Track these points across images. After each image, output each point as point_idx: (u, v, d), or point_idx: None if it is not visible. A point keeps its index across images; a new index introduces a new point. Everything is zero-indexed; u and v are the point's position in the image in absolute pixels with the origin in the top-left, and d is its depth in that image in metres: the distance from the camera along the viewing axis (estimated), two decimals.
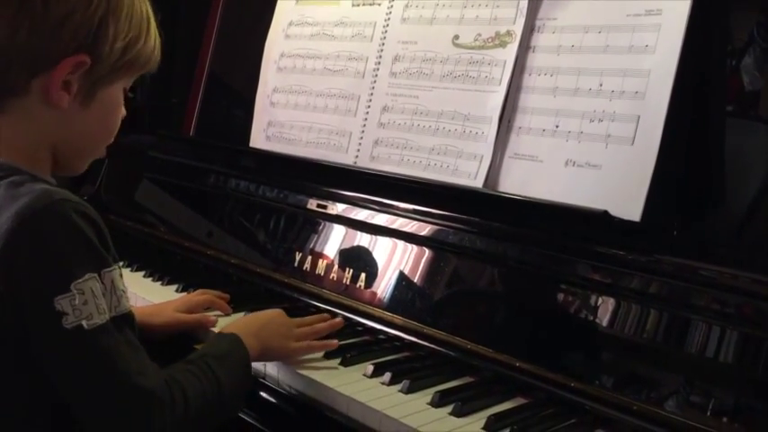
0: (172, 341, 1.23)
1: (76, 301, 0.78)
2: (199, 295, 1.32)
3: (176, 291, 1.46)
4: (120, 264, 1.54)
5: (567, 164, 1.16)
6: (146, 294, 1.41)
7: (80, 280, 0.79)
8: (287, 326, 1.16)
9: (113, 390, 0.81)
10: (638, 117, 1.09)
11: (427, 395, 1.06)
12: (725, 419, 0.92)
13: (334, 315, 1.33)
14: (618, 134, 1.11)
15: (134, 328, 0.87)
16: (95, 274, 0.80)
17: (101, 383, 0.81)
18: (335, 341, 1.19)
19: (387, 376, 1.10)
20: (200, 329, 1.25)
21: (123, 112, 0.96)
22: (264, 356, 1.09)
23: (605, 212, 1.06)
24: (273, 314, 1.17)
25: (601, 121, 1.13)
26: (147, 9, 0.91)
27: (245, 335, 1.04)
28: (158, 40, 0.94)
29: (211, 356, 0.96)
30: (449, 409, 1.02)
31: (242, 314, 1.32)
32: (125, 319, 0.85)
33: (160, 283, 1.51)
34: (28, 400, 0.84)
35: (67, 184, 1.05)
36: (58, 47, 0.82)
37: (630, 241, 1.05)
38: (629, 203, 1.07)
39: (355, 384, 1.09)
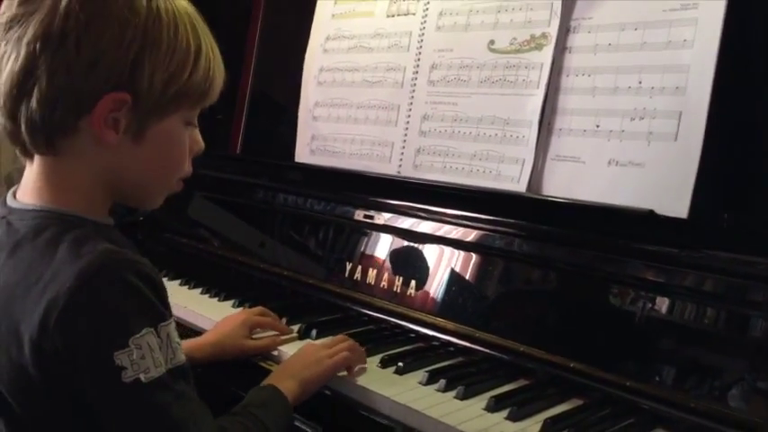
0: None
1: (134, 356, 0.81)
2: (259, 316, 1.34)
3: (233, 306, 1.50)
4: (178, 281, 1.63)
5: (609, 163, 1.16)
6: (204, 311, 1.45)
7: (138, 335, 0.81)
8: (315, 350, 1.18)
9: None
10: (680, 113, 1.09)
11: (482, 400, 1.07)
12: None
13: (387, 322, 1.36)
14: (660, 131, 1.10)
15: (189, 379, 0.89)
16: (152, 329, 0.83)
17: None
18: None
19: (441, 383, 1.12)
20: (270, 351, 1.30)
21: (200, 144, 0.97)
22: (307, 389, 1.10)
23: (651, 212, 1.06)
24: (301, 350, 1.19)
25: (642, 118, 1.13)
26: (198, 42, 0.89)
27: (278, 381, 1.07)
28: (215, 72, 0.92)
29: (253, 406, 0.99)
30: (504, 413, 1.04)
31: (297, 326, 1.35)
32: (180, 371, 0.87)
33: (217, 299, 1.55)
34: None
35: (124, 207, 1.09)
36: (96, 86, 0.84)
37: (679, 238, 1.05)
38: (675, 200, 1.07)
39: (411, 392, 1.11)
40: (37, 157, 0.90)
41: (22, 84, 0.84)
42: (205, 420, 0.88)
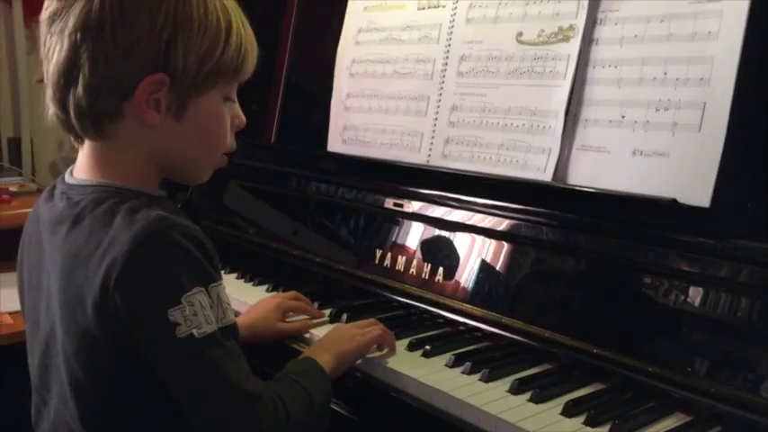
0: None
1: (187, 312, 0.86)
2: (292, 300, 1.39)
3: (266, 290, 1.55)
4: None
5: (634, 153, 1.18)
6: (239, 295, 1.51)
7: (190, 293, 0.87)
8: (347, 329, 1.23)
9: (223, 393, 0.89)
10: (704, 103, 1.10)
11: (506, 383, 1.10)
12: None
13: (416, 308, 1.40)
14: (684, 122, 1.12)
15: (238, 339, 0.94)
16: (203, 288, 0.88)
17: (211, 387, 0.89)
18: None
19: (467, 366, 1.15)
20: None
21: (242, 119, 1.02)
22: (342, 362, 1.15)
23: (674, 200, 1.08)
24: (333, 329, 1.24)
25: (667, 109, 1.14)
26: (229, 18, 0.93)
27: (315, 354, 1.12)
28: (247, 47, 0.96)
29: (294, 374, 1.04)
30: (527, 395, 1.07)
31: (329, 311, 1.40)
32: (230, 330, 0.92)
33: (252, 283, 1.61)
34: (141, 401, 0.93)
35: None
36: (134, 70, 0.89)
37: (701, 227, 1.07)
38: (698, 190, 1.08)
39: (437, 374, 1.14)
40: (88, 141, 0.97)
41: (67, 73, 0.90)
42: (256, 380, 0.94)
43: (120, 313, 0.87)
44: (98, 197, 0.94)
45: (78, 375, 0.92)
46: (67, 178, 1.00)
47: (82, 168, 0.98)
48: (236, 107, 1.02)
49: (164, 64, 0.90)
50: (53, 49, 0.91)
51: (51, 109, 0.94)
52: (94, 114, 0.91)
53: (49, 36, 0.91)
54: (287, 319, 1.37)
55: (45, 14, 0.92)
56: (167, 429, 0.95)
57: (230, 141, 1.02)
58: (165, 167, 0.99)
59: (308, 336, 1.33)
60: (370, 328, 1.23)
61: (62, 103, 0.92)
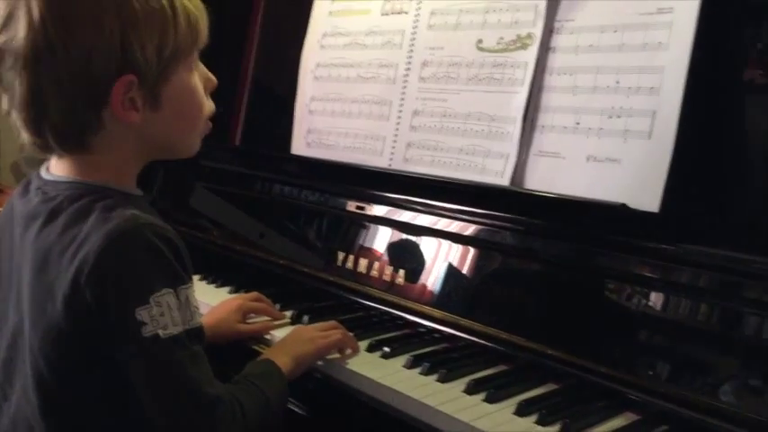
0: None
1: (154, 312, 0.87)
2: (254, 301, 1.40)
3: (229, 292, 1.56)
4: None
5: (588, 159, 1.21)
6: (201, 297, 1.48)
7: (158, 293, 0.88)
8: (309, 330, 1.24)
9: (184, 395, 0.90)
10: (655, 112, 1.13)
11: (462, 383, 1.12)
12: (739, 399, 0.97)
13: (376, 310, 1.42)
14: (635, 129, 1.15)
15: (203, 342, 0.95)
16: (172, 290, 0.89)
17: (173, 388, 0.90)
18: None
19: (424, 367, 1.17)
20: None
21: (212, 79, 1.01)
22: (301, 363, 1.16)
23: (623, 205, 1.11)
24: (294, 330, 1.26)
25: (619, 117, 1.18)
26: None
27: (274, 356, 1.13)
28: (196, 15, 0.94)
29: (252, 376, 1.06)
30: (482, 396, 1.09)
31: (290, 312, 1.41)
32: (196, 333, 0.93)
33: (214, 285, 1.61)
34: (104, 399, 0.94)
35: None
36: (100, 79, 0.89)
37: (650, 231, 1.10)
38: (648, 195, 1.11)
39: (395, 375, 1.16)
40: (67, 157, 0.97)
41: (34, 103, 0.90)
42: (217, 383, 0.95)
43: (90, 309, 0.88)
44: (74, 194, 0.94)
45: (42, 369, 0.93)
46: (44, 174, 1.01)
47: (59, 164, 0.98)
48: (202, 68, 1.01)
49: (125, 65, 0.90)
50: (10, 84, 0.90)
51: (27, 137, 0.94)
52: (75, 132, 0.92)
53: (4, 72, 0.90)
54: (248, 321, 1.37)
55: None
56: (128, 428, 0.95)
57: (208, 105, 1.03)
58: (155, 153, 1.01)
59: (268, 337, 1.33)
60: (330, 332, 1.24)
61: (37, 130, 0.92)
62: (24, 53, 0.88)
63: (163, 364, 0.89)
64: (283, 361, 1.12)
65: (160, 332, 0.88)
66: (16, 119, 0.93)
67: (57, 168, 0.99)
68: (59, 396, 0.94)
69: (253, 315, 1.39)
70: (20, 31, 0.88)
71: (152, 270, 0.88)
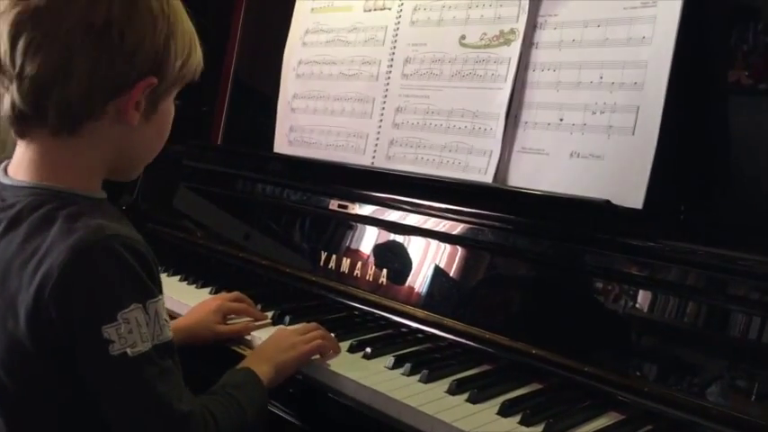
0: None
1: (122, 330, 0.84)
2: (234, 301, 1.38)
3: (210, 293, 1.53)
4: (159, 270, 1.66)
5: (571, 156, 1.20)
6: (181, 298, 1.48)
7: (126, 310, 0.85)
8: (289, 335, 1.21)
9: (153, 413, 0.87)
10: (638, 107, 1.12)
11: (445, 384, 1.10)
12: (725, 399, 0.96)
13: (358, 310, 1.40)
14: (619, 125, 1.14)
15: (174, 355, 0.92)
16: (140, 305, 0.86)
17: (142, 407, 0.87)
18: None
19: (407, 367, 1.15)
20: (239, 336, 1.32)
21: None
22: (282, 372, 1.13)
23: (607, 202, 1.10)
24: (274, 335, 1.22)
25: (602, 112, 1.17)
26: (191, 25, 0.96)
27: (254, 364, 1.10)
28: (201, 52, 0.99)
29: (230, 386, 1.02)
30: (465, 396, 1.07)
31: (271, 312, 1.39)
32: (166, 348, 0.89)
33: (195, 286, 1.58)
34: (71, 416, 0.90)
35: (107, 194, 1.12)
36: (134, 73, 0.89)
37: (634, 228, 1.09)
38: (631, 191, 1.10)
39: (377, 376, 1.14)
40: (40, 137, 0.91)
41: (56, 72, 0.86)
42: (188, 397, 0.91)
43: (54, 326, 0.84)
44: (35, 200, 0.90)
45: (6, 384, 0.89)
46: (1, 178, 0.95)
47: (21, 167, 0.93)
48: None
49: (158, 67, 0.91)
50: (36, 44, 0.86)
51: (18, 103, 0.88)
52: (80, 112, 0.89)
53: (30, 29, 0.86)
54: (228, 322, 1.35)
55: (19, 8, 0.86)
56: None
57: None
58: (114, 166, 0.97)
59: (249, 338, 1.31)
60: (311, 334, 1.21)
61: (37, 99, 0.87)
62: (76, 20, 0.85)
63: (131, 383, 0.86)
64: (263, 370, 1.09)
65: (128, 350, 0.84)
66: (11, 83, 0.87)
67: (16, 171, 0.94)
68: (23, 412, 0.90)
69: (233, 316, 1.36)
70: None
71: (119, 285, 0.85)
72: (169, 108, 0.99)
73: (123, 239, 0.87)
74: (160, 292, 0.91)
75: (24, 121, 0.90)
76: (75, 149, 0.92)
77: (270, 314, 1.39)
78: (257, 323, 1.35)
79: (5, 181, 0.94)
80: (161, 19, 0.90)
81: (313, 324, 1.26)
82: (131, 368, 0.85)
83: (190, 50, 0.95)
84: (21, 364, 0.88)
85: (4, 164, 0.97)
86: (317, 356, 1.20)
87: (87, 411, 0.89)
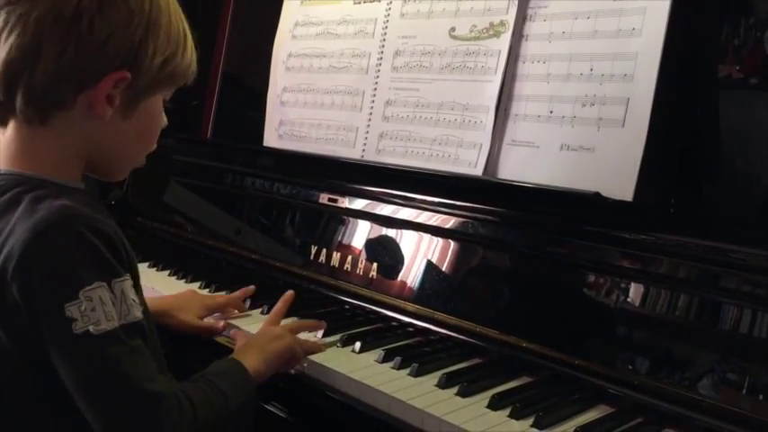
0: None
1: (84, 308, 0.83)
2: (220, 298, 1.37)
3: (200, 287, 1.52)
4: (147, 263, 1.65)
5: (561, 148, 1.19)
6: (170, 292, 1.47)
7: (88, 288, 0.83)
8: (276, 328, 1.19)
9: (121, 392, 0.85)
10: (628, 99, 1.12)
11: (435, 378, 1.10)
12: (716, 391, 0.96)
13: (349, 304, 1.39)
14: (609, 117, 1.14)
15: (146, 338, 0.90)
16: (104, 283, 0.85)
17: (108, 386, 0.85)
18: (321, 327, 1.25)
19: (397, 361, 1.15)
20: (211, 333, 1.31)
21: (164, 120, 1.02)
22: (270, 361, 1.11)
23: (597, 194, 1.09)
24: (261, 330, 1.20)
25: (592, 105, 1.16)
26: (184, 26, 0.96)
27: (239, 355, 1.08)
28: (194, 54, 0.98)
29: (212, 374, 1.00)
30: (455, 389, 1.07)
31: (259, 310, 1.38)
32: (135, 328, 0.88)
33: (184, 280, 1.57)
34: (41, 401, 0.88)
35: (96, 191, 1.11)
36: (102, 64, 0.88)
37: (624, 220, 1.09)
38: (621, 184, 1.10)
39: (367, 370, 1.13)
40: (15, 125, 0.92)
41: (25, 57, 0.86)
42: (163, 380, 0.90)
43: (18, 307, 0.83)
44: (5, 185, 0.91)
45: None
46: None
47: None
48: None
49: (131, 62, 0.89)
50: (8, 29, 0.86)
51: None
52: (47, 101, 0.89)
53: (4, 14, 0.87)
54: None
55: None
56: (73, 426, 0.89)
57: (155, 143, 1.02)
58: (91, 161, 0.97)
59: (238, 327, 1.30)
60: (296, 326, 1.21)
61: (8, 84, 0.88)
62: (46, 8, 0.85)
63: (96, 362, 0.84)
64: (250, 360, 1.06)
65: (91, 328, 0.83)
66: None
67: None
68: (13, 414, 0.89)
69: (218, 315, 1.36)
70: None
71: (81, 263, 0.84)
72: (153, 109, 0.97)
73: (87, 220, 0.86)
74: (126, 272, 0.89)
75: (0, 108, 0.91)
76: (46, 139, 0.92)
77: (258, 311, 1.38)
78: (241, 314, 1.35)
79: None
80: (139, 14, 0.89)
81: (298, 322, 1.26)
82: (95, 346, 0.84)
83: (176, 50, 0.93)
84: None
85: None
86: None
87: (63, 396, 0.87)
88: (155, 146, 1.02)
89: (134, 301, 0.89)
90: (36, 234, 0.83)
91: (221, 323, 1.31)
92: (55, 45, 0.86)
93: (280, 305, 1.27)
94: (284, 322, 1.26)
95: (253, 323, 1.32)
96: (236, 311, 1.37)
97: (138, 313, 0.89)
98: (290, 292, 1.29)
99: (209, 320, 1.32)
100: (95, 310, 0.84)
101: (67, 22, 0.86)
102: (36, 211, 0.85)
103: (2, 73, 0.88)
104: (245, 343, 1.18)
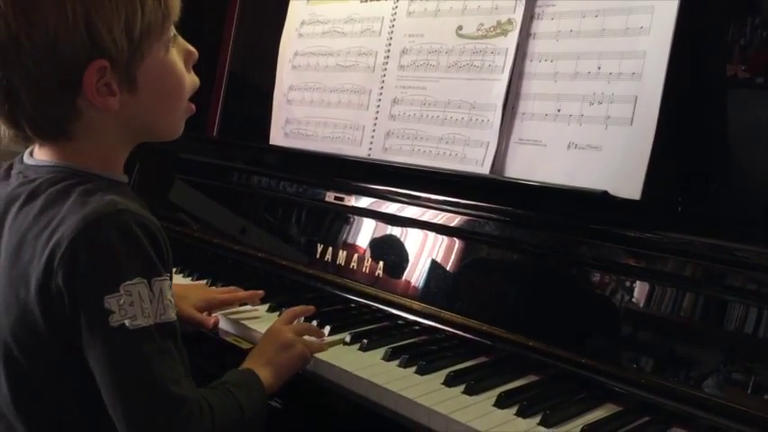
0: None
1: (123, 301, 0.84)
2: (222, 293, 1.37)
3: (206, 285, 1.53)
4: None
5: (569, 147, 1.19)
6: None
7: (129, 282, 0.84)
8: (284, 332, 1.17)
9: (146, 391, 0.86)
10: (636, 97, 1.12)
11: (441, 376, 1.10)
12: (722, 390, 0.96)
13: (355, 302, 1.39)
14: (617, 115, 1.14)
15: (177, 340, 0.91)
16: (145, 280, 0.86)
17: (135, 383, 0.85)
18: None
19: (403, 359, 1.15)
20: (200, 326, 1.30)
21: (193, 51, 0.98)
22: (280, 373, 1.11)
23: (605, 193, 1.09)
24: (267, 335, 1.19)
25: (600, 103, 1.16)
26: None
27: (254, 366, 1.08)
28: None
29: (230, 384, 1.00)
30: (461, 388, 1.07)
31: (266, 306, 1.38)
32: (168, 329, 0.89)
33: (190, 278, 1.58)
34: (76, 390, 0.90)
35: None
36: (69, 67, 0.87)
37: (632, 219, 1.08)
38: (629, 182, 1.10)
39: (373, 368, 1.14)
40: (48, 144, 0.95)
41: (7, 96, 0.88)
42: (187, 384, 0.90)
43: (61, 295, 0.85)
44: (54, 177, 0.92)
45: (15, 356, 0.90)
46: (26, 158, 0.98)
47: (42, 150, 0.96)
48: (181, 41, 0.97)
49: (94, 50, 0.87)
50: None
51: (5, 130, 0.93)
52: (51, 122, 0.90)
53: None
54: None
55: None
56: (103, 424, 0.90)
57: (190, 80, 0.99)
58: (138, 137, 0.98)
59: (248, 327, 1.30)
60: (301, 329, 1.21)
61: (15, 123, 0.91)
62: None
63: (126, 356, 0.85)
64: (264, 373, 1.07)
65: (127, 322, 0.84)
66: None
67: (39, 153, 0.97)
68: (31, 385, 0.91)
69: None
70: None
71: (125, 257, 0.85)
72: (159, 64, 0.93)
73: (134, 215, 0.87)
74: (167, 272, 0.90)
75: (23, 141, 0.94)
76: (80, 148, 0.94)
77: (266, 306, 1.38)
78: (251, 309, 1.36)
79: (29, 161, 0.98)
80: (68, 2, 0.85)
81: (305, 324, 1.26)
82: (129, 341, 0.85)
83: (133, 10, 0.88)
84: (30, 334, 0.88)
85: (30, 148, 1.00)
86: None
87: (93, 387, 0.88)
88: (192, 83, 0.99)
89: (170, 301, 0.90)
90: (86, 225, 0.84)
91: (212, 319, 1.30)
92: (18, 73, 0.86)
93: (299, 308, 1.27)
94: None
95: (261, 321, 1.32)
96: (239, 307, 1.37)
97: (173, 314, 0.90)
98: (312, 308, 1.30)
99: (203, 315, 1.31)
100: (133, 305, 0.85)
101: (12, 49, 0.85)
102: (87, 204, 0.86)
103: (2, 116, 0.90)
104: (258, 348, 1.16)
